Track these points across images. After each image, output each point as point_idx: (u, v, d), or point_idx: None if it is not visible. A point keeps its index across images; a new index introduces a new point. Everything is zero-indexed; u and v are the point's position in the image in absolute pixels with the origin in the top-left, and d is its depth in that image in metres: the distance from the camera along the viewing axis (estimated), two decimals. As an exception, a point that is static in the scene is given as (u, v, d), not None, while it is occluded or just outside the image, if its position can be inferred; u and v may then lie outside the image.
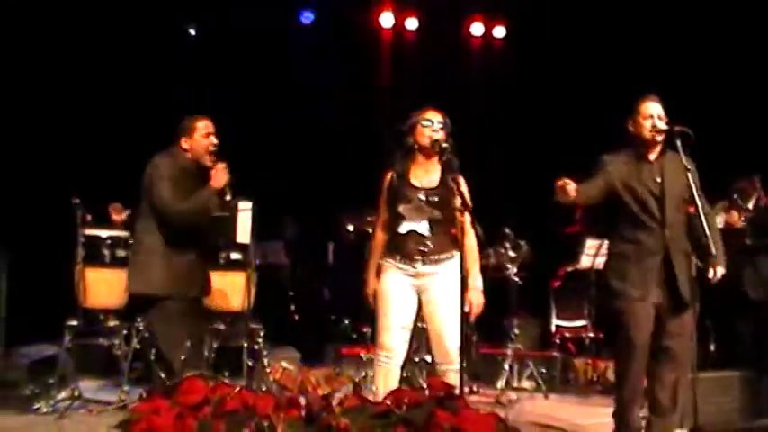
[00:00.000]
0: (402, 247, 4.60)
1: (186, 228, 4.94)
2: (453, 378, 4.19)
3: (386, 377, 4.50)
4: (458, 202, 4.47)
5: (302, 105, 8.99)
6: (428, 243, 4.56)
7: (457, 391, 4.04)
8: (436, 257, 4.56)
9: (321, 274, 8.89)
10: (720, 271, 4.69)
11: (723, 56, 7.94)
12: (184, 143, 5.03)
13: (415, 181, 4.66)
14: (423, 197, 4.59)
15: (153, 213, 4.98)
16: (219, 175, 4.92)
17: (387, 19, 9.78)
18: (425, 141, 4.64)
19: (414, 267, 4.59)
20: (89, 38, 8.21)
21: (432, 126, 4.64)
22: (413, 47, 9.87)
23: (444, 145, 4.58)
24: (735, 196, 7.01)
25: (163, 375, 4.40)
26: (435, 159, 4.69)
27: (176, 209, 4.88)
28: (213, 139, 5.01)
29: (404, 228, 4.60)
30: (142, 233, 5.10)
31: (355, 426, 2.91)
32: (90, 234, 6.16)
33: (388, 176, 4.72)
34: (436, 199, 4.57)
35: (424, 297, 4.61)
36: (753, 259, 6.89)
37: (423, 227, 4.57)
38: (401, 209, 4.60)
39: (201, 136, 5.00)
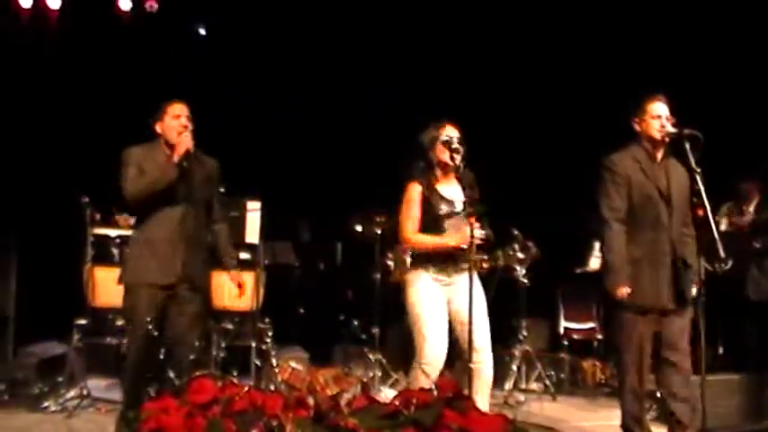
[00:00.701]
0: (442, 260, 4.65)
1: (146, 201, 4.72)
2: (488, 372, 4.46)
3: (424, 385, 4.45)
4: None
5: (312, 105, 8.99)
6: (465, 255, 4.54)
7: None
8: (465, 265, 4.56)
9: (330, 275, 8.91)
10: (694, 290, 4.69)
11: (725, 55, 7.90)
12: (158, 127, 4.89)
13: (446, 195, 4.72)
14: (459, 210, 4.66)
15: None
16: (182, 141, 4.75)
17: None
18: (447, 158, 4.68)
19: (449, 277, 4.67)
20: (97, 37, 8.25)
21: (452, 143, 4.66)
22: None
23: (463, 163, 4.63)
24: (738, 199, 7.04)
25: (172, 375, 4.40)
26: (453, 174, 4.74)
27: (132, 187, 4.72)
28: (183, 121, 4.83)
29: (449, 241, 4.63)
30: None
31: (364, 426, 2.91)
32: (99, 233, 6.19)
33: (417, 188, 4.73)
34: (468, 211, 4.56)
35: (452, 305, 4.67)
36: (759, 261, 6.86)
37: (463, 241, 4.56)
38: (445, 224, 4.64)
39: (172, 118, 4.84)
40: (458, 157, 4.63)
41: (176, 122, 4.81)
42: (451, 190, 4.76)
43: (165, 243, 4.70)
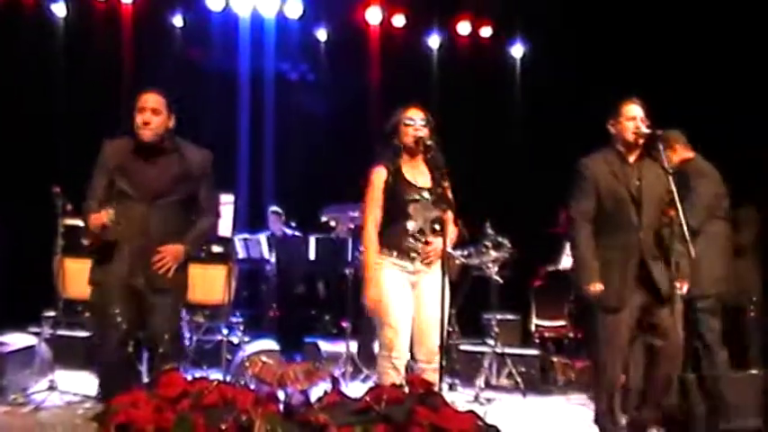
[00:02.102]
0: (404, 245, 4.55)
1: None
2: (432, 376, 4.18)
3: (390, 377, 4.37)
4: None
5: (289, 99, 8.97)
6: (431, 243, 4.54)
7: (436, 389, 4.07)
8: (437, 261, 4.52)
9: (302, 269, 8.89)
10: (685, 287, 4.74)
11: (704, 59, 7.98)
12: (134, 119, 4.55)
13: (411, 179, 4.63)
14: (428, 196, 4.58)
15: None
16: (95, 221, 4.35)
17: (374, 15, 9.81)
18: (410, 140, 4.62)
19: (412, 265, 4.57)
20: (73, 28, 8.19)
21: (414, 124, 4.62)
22: (400, 44, 9.87)
23: (429, 143, 4.57)
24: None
25: (141, 368, 4.36)
26: (421, 158, 4.67)
27: (85, 203, 4.51)
28: (139, 117, 4.48)
29: (412, 226, 4.57)
30: None
31: (334, 422, 2.90)
32: (69, 224, 6.11)
33: (381, 173, 4.63)
34: (436, 198, 4.54)
35: (415, 293, 4.59)
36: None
37: (428, 227, 4.55)
38: (410, 208, 4.55)
39: (137, 111, 4.52)
40: (420, 135, 4.58)
41: (139, 117, 4.52)
42: (418, 174, 4.67)
43: (128, 244, 4.45)
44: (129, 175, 4.50)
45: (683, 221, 4.50)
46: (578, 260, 4.83)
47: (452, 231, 4.51)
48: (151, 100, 4.53)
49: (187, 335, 6.23)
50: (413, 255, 4.55)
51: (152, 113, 4.50)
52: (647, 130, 4.72)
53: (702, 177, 5.72)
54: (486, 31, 10.00)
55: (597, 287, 4.67)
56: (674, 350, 4.74)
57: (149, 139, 4.50)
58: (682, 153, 5.80)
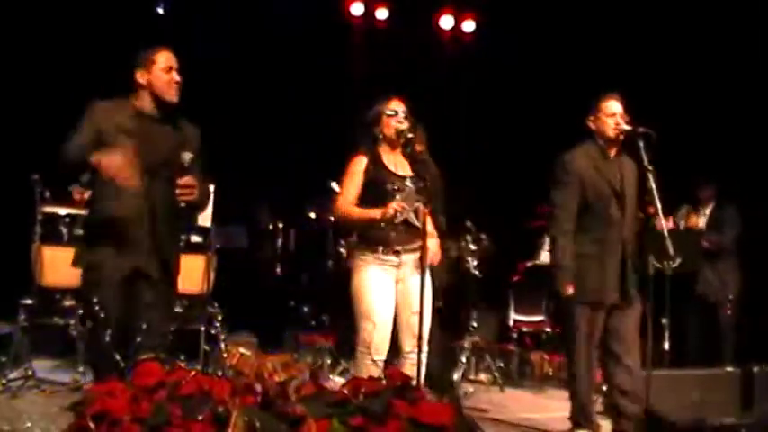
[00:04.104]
0: (388, 237, 4.51)
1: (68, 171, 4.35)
2: (418, 366, 4.20)
3: (369, 373, 4.19)
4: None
5: (271, 91, 8.94)
6: (413, 232, 4.51)
7: (421, 377, 4.09)
8: (415, 245, 4.49)
9: (282, 261, 8.86)
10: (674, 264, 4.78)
11: (688, 58, 8.02)
12: (141, 77, 4.17)
13: (392, 168, 4.62)
14: (411, 185, 4.55)
15: None
16: (107, 161, 3.90)
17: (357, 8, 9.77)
18: (391, 132, 4.62)
19: (397, 257, 4.54)
20: (52, 13, 8.11)
21: (396, 116, 4.62)
22: (383, 37, 9.85)
23: (409, 135, 4.57)
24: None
25: (118, 358, 4.32)
26: (400, 150, 4.67)
27: (61, 151, 4.06)
28: (175, 76, 4.18)
29: (397, 217, 4.50)
30: None
31: (312, 413, 2.90)
32: (48, 211, 6.08)
33: (362, 161, 4.61)
34: (419, 186, 4.53)
35: (399, 286, 4.58)
36: (711, 261, 7.03)
37: (413, 216, 4.53)
38: (398, 198, 4.47)
39: (162, 70, 4.16)
40: (401, 127, 4.58)
41: (168, 77, 4.16)
42: (399, 163, 4.67)
43: (128, 222, 4.07)
44: (132, 136, 4.07)
45: (662, 219, 4.54)
46: (556, 259, 4.86)
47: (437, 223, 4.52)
48: (174, 58, 4.22)
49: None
50: (397, 248, 4.53)
51: (178, 74, 4.20)
52: (628, 127, 4.74)
53: None
54: (468, 26, 10.00)
55: (569, 290, 4.73)
56: (631, 348, 4.78)
57: (175, 100, 4.19)
58: None
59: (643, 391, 4.55)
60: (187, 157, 4.09)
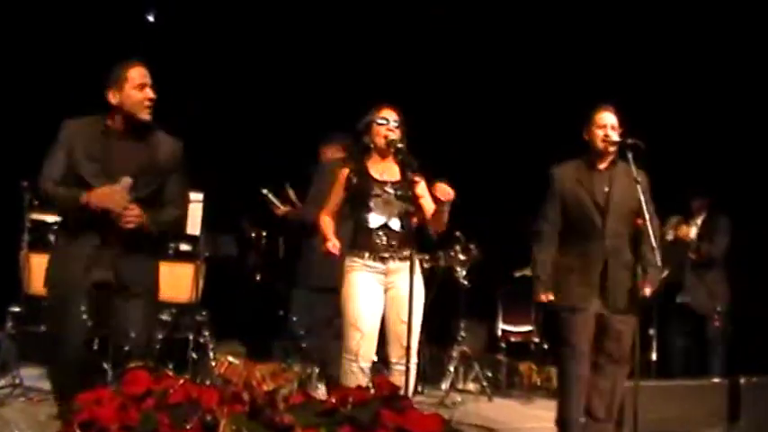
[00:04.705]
0: (371, 243, 4.52)
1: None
2: (399, 379, 4.19)
3: (355, 381, 4.25)
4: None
5: (256, 98, 8.93)
6: (399, 238, 4.52)
7: (411, 389, 4.09)
8: (405, 253, 4.48)
9: (269, 269, 8.84)
10: (649, 291, 4.79)
11: (682, 69, 8.06)
12: (112, 97, 4.03)
13: (375, 175, 4.61)
14: (391, 190, 4.55)
15: None
16: (101, 195, 3.92)
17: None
18: (381, 141, 4.61)
19: (384, 264, 4.53)
20: (39, 19, 8.11)
21: (387, 125, 4.61)
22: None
23: (400, 145, 4.55)
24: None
25: (106, 366, 4.31)
26: (391, 158, 4.66)
27: (43, 189, 4.05)
28: (149, 92, 4.04)
29: (374, 221, 4.53)
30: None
31: (300, 423, 2.90)
32: (36, 219, 6.07)
33: (344, 172, 4.63)
34: (403, 193, 4.52)
35: (389, 294, 4.57)
36: (698, 272, 7.06)
37: (394, 222, 4.53)
38: (372, 203, 4.51)
39: (134, 88, 4.02)
40: (392, 137, 4.57)
41: (141, 95, 4.04)
42: (386, 170, 4.65)
43: (94, 241, 4.01)
44: (96, 160, 4.01)
45: (651, 230, 4.56)
46: (533, 269, 4.96)
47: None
48: (148, 74, 4.09)
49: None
50: (384, 254, 4.52)
51: (152, 90, 4.07)
52: (617, 139, 4.76)
53: None
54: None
55: (548, 297, 4.82)
56: (622, 361, 4.79)
57: (148, 119, 4.07)
58: None
59: (626, 402, 4.59)
60: (125, 182, 3.97)
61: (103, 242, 4.01)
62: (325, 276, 5.30)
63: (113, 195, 3.93)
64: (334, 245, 4.51)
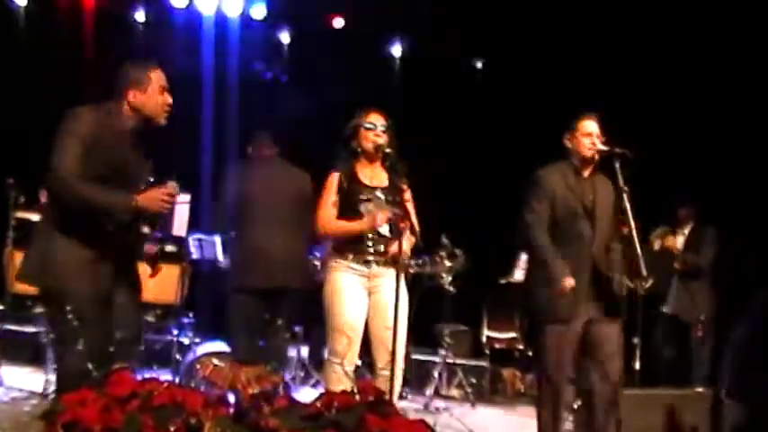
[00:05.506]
0: (358, 247, 4.52)
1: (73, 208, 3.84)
2: (384, 384, 4.16)
3: (340, 384, 4.22)
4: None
5: (249, 99, 8.93)
6: (387, 243, 4.51)
7: (395, 395, 4.07)
8: (390, 258, 4.49)
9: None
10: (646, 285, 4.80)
11: (669, 79, 8.10)
12: (133, 97, 3.95)
13: (365, 180, 4.62)
14: (381, 195, 4.55)
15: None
16: (151, 199, 3.87)
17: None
18: (369, 146, 4.61)
19: (368, 268, 4.54)
20: (27, 18, 8.10)
21: (375, 130, 4.61)
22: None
23: (387, 150, 4.57)
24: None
25: (90, 366, 4.26)
26: (379, 163, 4.66)
27: (69, 184, 3.76)
28: (168, 98, 4.03)
29: (356, 226, 4.51)
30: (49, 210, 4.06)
31: (285, 426, 2.89)
32: (21, 217, 6.04)
33: (335, 177, 4.63)
34: (392, 198, 4.52)
35: (372, 299, 4.57)
36: (684, 281, 7.10)
37: (383, 227, 4.52)
38: (362, 208, 4.50)
39: (156, 90, 3.99)
40: (379, 141, 4.56)
41: (162, 98, 4.01)
42: (374, 176, 4.65)
43: (99, 247, 3.90)
44: (111, 155, 3.88)
45: (636, 239, 4.57)
46: (545, 258, 4.70)
47: (408, 239, 4.42)
48: (166, 79, 4.05)
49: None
50: (368, 258, 4.53)
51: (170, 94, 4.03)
52: (604, 147, 4.77)
53: None
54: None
55: (570, 282, 4.58)
56: (612, 368, 4.79)
57: (164, 123, 4.04)
58: None
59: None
60: (172, 186, 3.96)
61: (104, 247, 3.93)
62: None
63: (160, 198, 3.87)
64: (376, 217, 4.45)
